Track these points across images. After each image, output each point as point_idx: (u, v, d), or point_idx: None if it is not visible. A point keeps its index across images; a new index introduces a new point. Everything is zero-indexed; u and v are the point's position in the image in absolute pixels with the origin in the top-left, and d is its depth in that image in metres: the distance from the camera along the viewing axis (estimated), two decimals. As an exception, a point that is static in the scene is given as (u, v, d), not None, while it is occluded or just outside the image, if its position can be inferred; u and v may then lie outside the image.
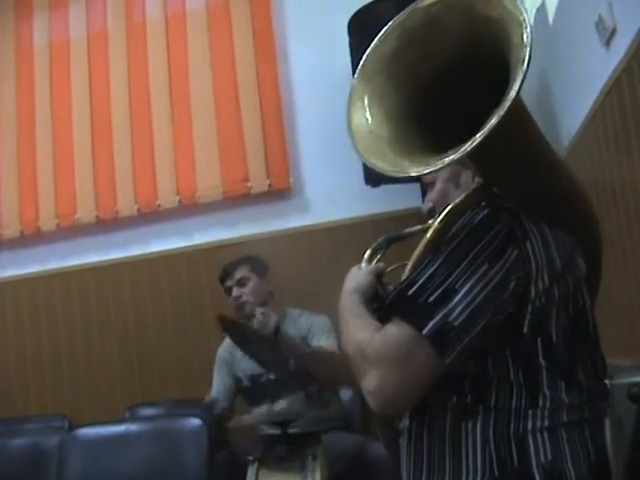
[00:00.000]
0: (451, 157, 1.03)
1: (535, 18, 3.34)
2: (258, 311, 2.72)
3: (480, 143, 1.00)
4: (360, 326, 1.23)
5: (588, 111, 2.54)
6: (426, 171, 1.08)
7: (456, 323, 1.07)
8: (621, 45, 2.12)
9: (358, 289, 1.35)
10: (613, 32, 2.19)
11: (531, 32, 1.00)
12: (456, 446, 1.15)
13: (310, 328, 2.95)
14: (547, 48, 3.17)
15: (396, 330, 1.12)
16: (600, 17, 2.24)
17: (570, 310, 1.17)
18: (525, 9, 1.04)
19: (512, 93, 0.99)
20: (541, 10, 3.21)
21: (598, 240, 1.33)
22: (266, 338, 2.67)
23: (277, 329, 2.67)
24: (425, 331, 1.08)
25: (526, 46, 1.00)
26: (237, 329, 2.74)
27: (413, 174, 1.09)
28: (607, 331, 2.27)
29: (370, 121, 1.19)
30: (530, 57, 0.99)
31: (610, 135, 2.33)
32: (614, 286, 2.30)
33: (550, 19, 3.05)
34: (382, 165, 1.13)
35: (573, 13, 2.69)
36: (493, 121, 0.99)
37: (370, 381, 1.12)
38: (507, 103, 0.99)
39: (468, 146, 1.01)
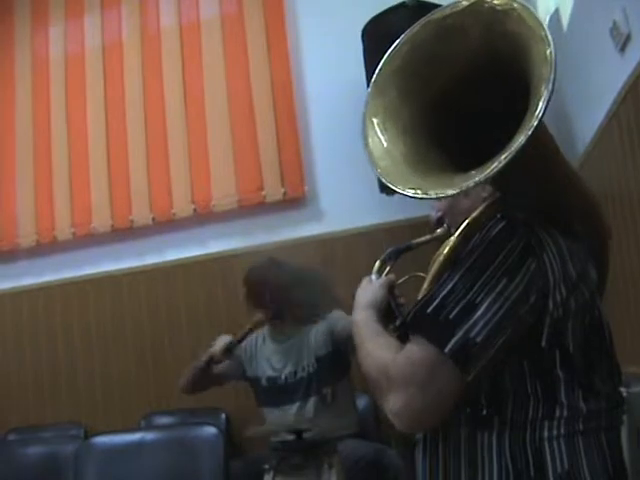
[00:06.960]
0: (476, 179, 1.01)
1: (549, 24, 3.33)
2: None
3: (506, 164, 0.97)
4: (380, 345, 1.22)
5: (603, 118, 2.52)
6: (451, 193, 1.05)
7: (478, 339, 1.06)
8: (636, 51, 2.11)
9: (372, 304, 1.34)
10: (628, 38, 2.19)
11: (555, 49, 0.98)
12: (472, 457, 1.14)
13: (335, 323, 2.96)
14: (561, 54, 3.15)
15: (418, 350, 1.10)
16: (615, 23, 2.24)
17: (586, 320, 1.16)
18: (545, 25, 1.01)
19: (538, 113, 0.96)
20: (555, 16, 3.20)
21: (606, 248, 1.32)
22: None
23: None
24: (447, 349, 1.06)
25: (551, 64, 0.98)
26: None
27: (434, 197, 1.06)
28: (624, 339, 2.26)
29: (385, 139, 1.17)
30: (555, 75, 0.96)
31: (626, 142, 2.32)
32: (631, 295, 2.28)
33: (564, 25, 3.04)
34: (402, 187, 1.11)
35: (587, 19, 2.68)
36: (520, 141, 0.96)
37: (395, 402, 1.10)
38: (535, 122, 0.96)
39: (494, 167, 0.98)
